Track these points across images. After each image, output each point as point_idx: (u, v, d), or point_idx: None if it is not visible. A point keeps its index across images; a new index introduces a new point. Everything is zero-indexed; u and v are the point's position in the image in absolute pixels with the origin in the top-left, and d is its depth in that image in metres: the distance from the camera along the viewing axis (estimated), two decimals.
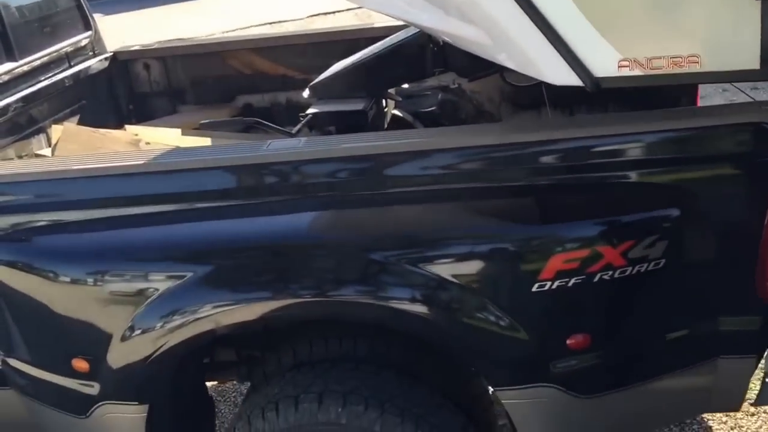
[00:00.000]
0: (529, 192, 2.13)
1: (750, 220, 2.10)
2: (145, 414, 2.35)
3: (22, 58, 3.42)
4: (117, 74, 4.01)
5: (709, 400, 2.35)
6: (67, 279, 2.28)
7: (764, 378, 2.28)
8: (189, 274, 2.18)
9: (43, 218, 2.30)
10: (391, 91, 3.24)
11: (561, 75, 1.99)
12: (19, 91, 3.35)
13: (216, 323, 2.22)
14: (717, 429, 3.34)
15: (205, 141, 3.14)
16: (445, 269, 2.12)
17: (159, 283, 2.20)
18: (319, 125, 2.96)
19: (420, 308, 2.15)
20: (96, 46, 3.94)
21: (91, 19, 3.92)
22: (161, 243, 2.25)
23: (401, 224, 2.18)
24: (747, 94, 5.90)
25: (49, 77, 3.55)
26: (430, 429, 2.25)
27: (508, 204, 2.14)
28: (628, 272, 2.07)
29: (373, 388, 2.29)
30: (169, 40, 4.71)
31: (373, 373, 2.36)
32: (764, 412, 3.36)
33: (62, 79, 3.61)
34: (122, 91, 4.05)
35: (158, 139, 3.17)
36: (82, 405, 2.40)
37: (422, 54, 3.07)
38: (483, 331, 2.15)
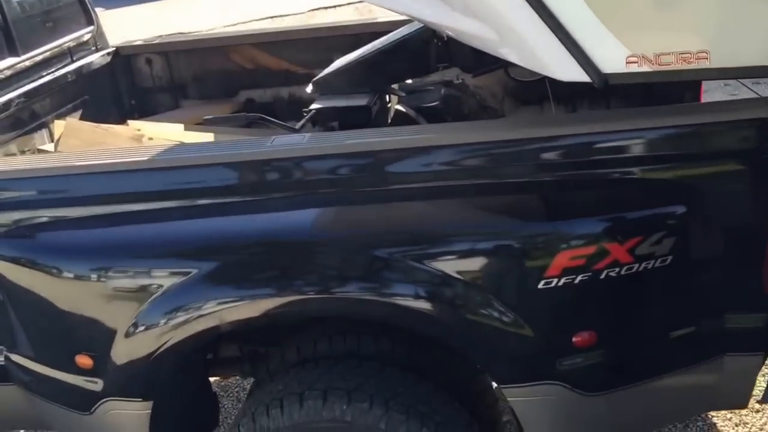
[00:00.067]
0: (534, 188, 2.12)
1: (756, 217, 2.09)
2: (149, 410, 2.35)
3: (24, 53, 3.41)
4: (119, 69, 4.00)
5: (716, 398, 2.35)
6: (71, 275, 2.27)
7: None
8: (193, 271, 2.18)
9: (47, 214, 2.29)
10: (395, 86, 3.23)
11: (568, 71, 1.98)
12: (21, 87, 3.34)
13: (220, 320, 2.21)
14: (722, 426, 3.34)
15: (208, 137, 3.13)
16: (449, 266, 2.11)
17: (163, 279, 2.20)
18: (323, 121, 2.95)
19: (424, 305, 2.14)
20: (98, 40, 3.93)
21: (93, 14, 3.91)
22: (165, 239, 2.24)
23: (406, 221, 2.17)
24: (750, 88, 5.88)
25: (52, 72, 3.53)
26: (434, 426, 2.25)
27: (514, 200, 2.13)
28: (634, 269, 2.07)
29: (378, 385, 2.29)
30: (171, 35, 4.70)
31: (378, 370, 2.36)
32: None
33: (65, 74, 3.60)
34: (125, 86, 4.03)
35: (161, 135, 3.15)
36: (85, 401, 2.40)
37: (426, 49, 3.05)
38: (488, 328, 2.14)
